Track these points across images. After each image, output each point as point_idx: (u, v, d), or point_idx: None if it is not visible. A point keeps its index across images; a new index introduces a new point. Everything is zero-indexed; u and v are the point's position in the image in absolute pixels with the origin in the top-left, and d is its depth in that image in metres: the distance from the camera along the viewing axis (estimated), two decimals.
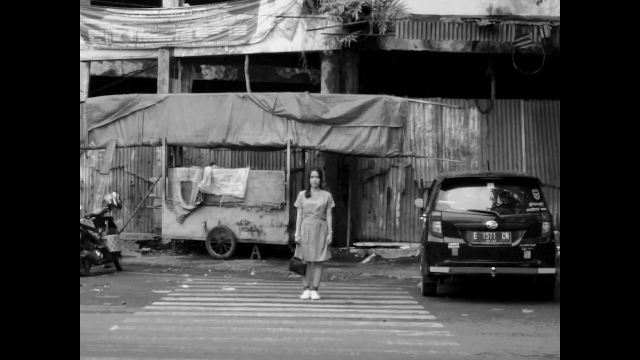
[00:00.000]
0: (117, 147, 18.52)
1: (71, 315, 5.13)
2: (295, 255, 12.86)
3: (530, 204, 12.88)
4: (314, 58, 19.18)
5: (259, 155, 19.69)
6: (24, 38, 5.13)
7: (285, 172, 17.32)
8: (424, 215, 13.65)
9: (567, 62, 5.32)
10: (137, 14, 20.30)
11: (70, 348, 5.03)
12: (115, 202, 16.65)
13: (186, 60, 20.55)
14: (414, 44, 18.61)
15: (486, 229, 12.58)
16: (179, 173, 17.89)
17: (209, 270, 16.40)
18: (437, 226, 12.77)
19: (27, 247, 4.94)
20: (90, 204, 18.29)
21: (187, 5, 20.35)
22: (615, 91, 5.17)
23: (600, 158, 5.11)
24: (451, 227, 12.69)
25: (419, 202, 14.63)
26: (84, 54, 20.63)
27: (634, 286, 4.94)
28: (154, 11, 20.31)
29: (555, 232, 13.63)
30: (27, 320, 4.86)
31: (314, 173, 13.02)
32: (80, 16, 20.36)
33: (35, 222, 4.98)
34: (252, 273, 16.04)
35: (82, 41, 20.36)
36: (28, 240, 4.94)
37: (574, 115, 5.19)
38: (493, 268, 12.44)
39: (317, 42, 18.71)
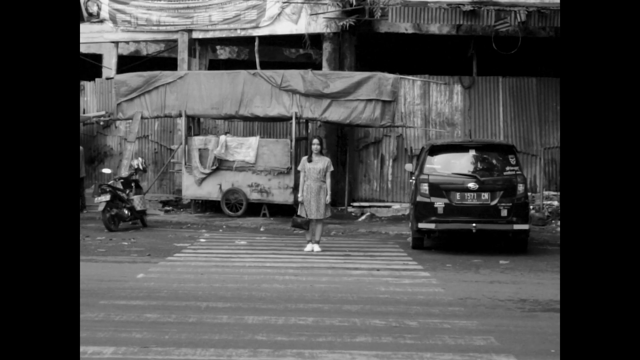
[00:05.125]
0: (142, 118, 18.47)
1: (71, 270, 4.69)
2: (299, 213, 12.79)
3: (507, 168, 12.81)
4: (316, 40, 19.02)
5: (268, 126, 19.60)
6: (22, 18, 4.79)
7: (291, 141, 17.25)
8: (413, 178, 13.60)
9: (566, 41, 4.89)
10: (160, 0, 20.10)
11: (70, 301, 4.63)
12: (141, 167, 16.65)
13: (203, 42, 20.38)
14: (405, 27, 18.44)
15: (468, 190, 12.52)
16: (197, 141, 17.82)
17: (224, 226, 16.38)
18: (425, 187, 12.71)
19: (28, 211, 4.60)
20: (119, 169, 18.23)
21: None
22: (614, 71, 4.76)
23: (602, 135, 4.71)
24: (437, 188, 12.64)
25: (409, 167, 14.58)
26: (112, 36, 20.60)
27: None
28: None
29: (529, 193, 13.50)
30: (28, 278, 4.54)
31: (316, 140, 12.92)
32: (109, 2, 20.24)
33: (35, 183, 4.65)
34: (262, 229, 16.02)
35: (110, 24, 20.33)
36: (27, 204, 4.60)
37: (574, 94, 4.81)
38: (474, 224, 12.40)
39: (319, 25, 18.53)
